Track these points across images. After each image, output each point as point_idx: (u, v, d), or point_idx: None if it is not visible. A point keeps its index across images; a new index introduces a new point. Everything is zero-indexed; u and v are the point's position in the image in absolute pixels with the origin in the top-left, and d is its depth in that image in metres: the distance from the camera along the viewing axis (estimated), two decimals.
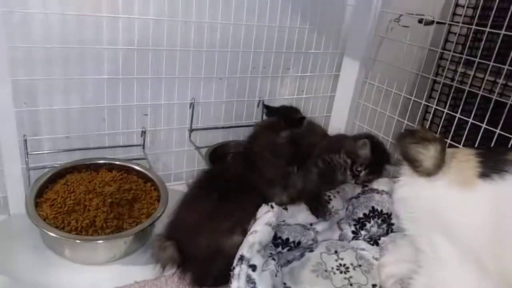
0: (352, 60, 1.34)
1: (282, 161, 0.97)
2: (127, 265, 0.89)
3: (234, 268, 0.75)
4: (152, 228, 0.97)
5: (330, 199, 1.02)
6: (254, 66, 1.23)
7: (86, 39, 0.98)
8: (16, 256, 0.87)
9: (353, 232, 1.02)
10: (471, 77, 1.15)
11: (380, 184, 1.05)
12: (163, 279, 0.85)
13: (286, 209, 0.91)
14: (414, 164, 0.71)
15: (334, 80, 1.40)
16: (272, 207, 0.86)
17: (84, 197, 0.92)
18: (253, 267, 0.75)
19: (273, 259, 0.83)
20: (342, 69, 1.38)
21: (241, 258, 0.75)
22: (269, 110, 1.21)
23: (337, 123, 1.42)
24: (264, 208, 0.87)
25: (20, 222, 0.92)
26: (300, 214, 0.94)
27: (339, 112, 1.42)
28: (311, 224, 0.97)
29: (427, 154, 0.70)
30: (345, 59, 1.36)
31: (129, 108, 1.10)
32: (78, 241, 0.85)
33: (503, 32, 1.01)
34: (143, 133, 1.13)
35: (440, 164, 0.70)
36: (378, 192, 1.04)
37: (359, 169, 0.99)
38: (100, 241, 0.87)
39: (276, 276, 0.79)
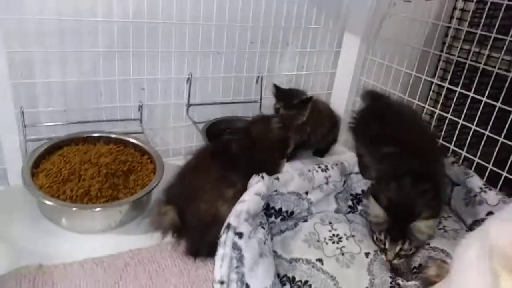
0: (353, 36, 1.33)
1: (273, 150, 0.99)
2: (122, 234, 0.90)
3: (220, 236, 0.75)
4: (148, 199, 0.98)
5: (327, 169, 1.01)
6: (252, 40, 1.22)
7: (81, 11, 0.98)
8: (15, 225, 0.89)
9: (349, 206, 1.02)
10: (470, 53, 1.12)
11: None
12: (157, 247, 0.86)
13: (277, 178, 0.90)
14: None
15: (335, 57, 1.39)
16: (262, 177, 0.86)
17: (80, 167, 0.93)
18: (240, 235, 0.75)
19: (263, 227, 0.83)
20: (343, 45, 1.36)
21: (228, 226, 0.76)
22: (278, 90, 1.18)
23: (338, 100, 1.40)
24: (255, 178, 0.87)
25: (19, 192, 0.93)
26: (293, 182, 0.93)
27: (340, 89, 1.41)
28: (306, 193, 0.96)
29: None
30: (346, 35, 1.35)
31: (126, 82, 1.10)
32: (74, 208, 0.86)
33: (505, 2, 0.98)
34: (140, 107, 1.13)
35: None
36: None
37: None
38: (96, 209, 0.87)
39: (264, 244, 0.79)
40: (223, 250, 0.72)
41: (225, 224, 0.76)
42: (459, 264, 0.68)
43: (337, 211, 1.00)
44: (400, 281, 0.82)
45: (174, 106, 1.19)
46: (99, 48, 1.03)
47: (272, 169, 0.97)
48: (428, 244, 0.87)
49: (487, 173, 1.04)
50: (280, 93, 1.15)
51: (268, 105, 1.31)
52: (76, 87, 1.06)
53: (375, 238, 0.84)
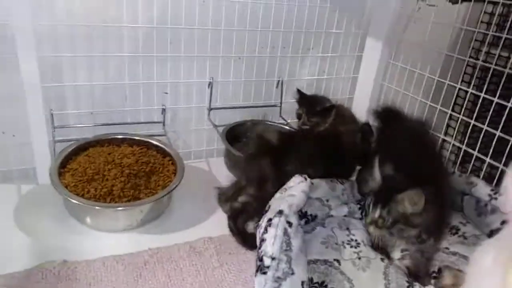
0: (375, 41, 1.32)
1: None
2: (142, 233, 0.93)
3: (271, 219, 0.76)
4: (169, 199, 1.01)
5: (343, 182, 1.01)
6: (273, 45, 1.23)
7: (108, 17, 1.02)
8: (43, 222, 0.93)
9: (359, 208, 1.01)
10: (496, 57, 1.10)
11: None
12: (175, 247, 0.88)
13: (312, 183, 0.92)
14: None
15: (356, 61, 1.38)
16: (305, 178, 0.89)
17: (104, 168, 0.96)
18: (290, 224, 0.77)
19: (301, 227, 0.85)
20: (365, 49, 1.36)
21: (280, 212, 0.77)
22: (301, 96, 1.19)
23: (360, 105, 1.39)
24: (297, 178, 0.89)
25: (47, 191, 0.97)
26: (320, 188, 0.95)
27: (362, 93, 1.40)
28: (327, 200, 0.97)
29: None
30: (368, 39, 1.34)
31: (150, 85, 1.13)
32: (97, 207, 0.89)
33: None
34: (163, 110, 1.16)
35: None
36: None
37: None
38: (118, 208, 0.91)
39: (303, 242, 0.81)
40: (276, 231, 0.74)
41: (277, 209, 0.78)
42: (475, 271, 0.66)
43: (348, 215, 1.00)
44: (418, 286, 0.81)
45: (196, 110, 1.22)
46: (124, 53, 1.07)
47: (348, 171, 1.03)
48: (448, 248, 0.86)
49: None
50: (303, 99, 1.15)
51: (288, 109, 1.33)
52: (103, 90, 1.10)
53: (367, 202, 0.85)
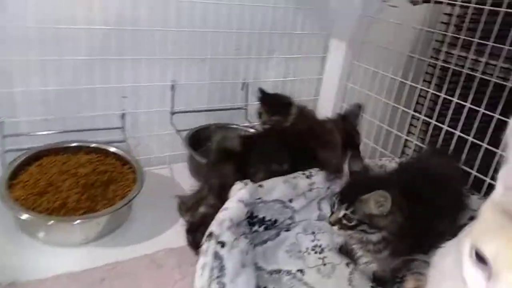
0: (339, 42, 1.32)
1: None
2: (100, 247, 0.88)
3: (202, 244, 0.74)
4: (128, 210, 0.97)
5: (312, 175, 0.99)
6: (237, 47, 1.20)
7: (61, 18, 0.97)
8: None
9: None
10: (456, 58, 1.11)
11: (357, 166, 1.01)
12: (134, 260, 0.84)
13: (261, 186, 0.89)
14: None
15: (321, 62, 1.38)
16: (246, 184, 0.85)
17: (58, 178, 0.91)
18: (222, 244, 0.74)
19: (246, 237, 0.81)
20: (329, 51, 1.35)
21: (210, 234, 0.74)
22: (263, 94, 1.18)
23: (325, 106, 1.39)
24: (238, 185, 0.85)
25: None
26: (277, 189, 0.91)
27: (327, 95, 1.40)
28: (290, 201, 0.94)
29: None
30: (332, 40, 1.34)
31: (108, 90, 1.08)
32: (50, 222, 0.84)
33: (487, 7, 0.97)
34: (123, 115, 1.11)
35: None
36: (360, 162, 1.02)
37: None
38: (73, 222, 0.86)
39: (247, 254, 0.78)
40: (204, 259, 0.71)
41: (207, 232, 0.75)
42: (436, 273, 0.67)
43: (320, 218, 0.99)
44: None
45: (158, 114, 1.17)
46: (80, 56, 1.02)
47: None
48: None
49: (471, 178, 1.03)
50: (265, 97, 1.14)
51: (254, 112, 1.30)
52: (57, 96, 1.04)
53: (331, 201, 0.80)
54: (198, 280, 0.68)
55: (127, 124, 1.14)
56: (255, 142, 0.98)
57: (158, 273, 0.82)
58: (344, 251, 0.88)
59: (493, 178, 0.98)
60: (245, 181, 0.84)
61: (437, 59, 1.21)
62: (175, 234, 0.94)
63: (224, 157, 0.92)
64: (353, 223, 0.72)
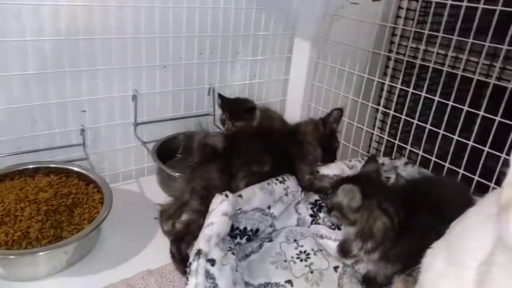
0: (303, 41, 1.30)
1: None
2: (70, 277, 0.81)
3: (190, 264, 0.69)
4: (98, 233, 0.90)
5: (285, 180, 0.96)
6: (200, 51, 1.16)
7: (6, 29, 0.88)
8: None
9: (311, 215, 0.98)
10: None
11: (330, 169, 1.00)
12: (111, 287, 0.78)
13: (240, 196, 0.85)
14: None
15: (287, 63, 1.35)
16: (226, 196, 0.80)
17: (15, 207, 0.83)
18: (212, 262, 0.70)
19: (233, 253, 0.77)
20: (293, 50, 1.33)
21: (199, 252, 0.70)
22: (223, 101, 1.15)
23: (293, 107, 1.38)
24: (218, 198, 0.80)
25: None
26: (255, 198, 0.88)
27: (294, 95, 1.38)
28: (268, 208, 0.91)
29: None
30: (296, 40, 1.32)
31: (64, 105, 1.00)
32: (11, 256, 0.76)
33: (449, 2, 0.99)
34: (82, 131, 1.04)
35: None
36: (330, 178, 1.01)
37: None
38: (38, 254, 0.78)
39: (236, 271, 0.74)
40: (196, 280, 0.67)
41: (195, 250, 0.70)
42: (428, 276, 0.66)
43: (299, 223, 0.96)
44: None
45: (120, 127, 1.10)
46: (29, 70, 0.93)
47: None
48: None
49: (444, 170, 1.04)
50: (226, 103, 1.11)
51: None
52: (7, 115, 0.95)
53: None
54: None
55: (88, 140, 1.06)
56: (237, 140, 0.94)
57: None
58: (342, 248, 0.87)
59: (465, 169, 1.00)
60: (225, 192, 0.80)
61: (398, 53, 1.22)
62: (152, 254, 0.88)
63: (208, 156, 0.87)
64: (326, 208, 0.82)
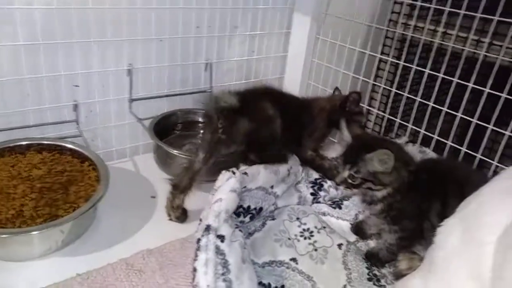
0: (302, 16, 1.26)
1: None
2: (66, 257, 0.78)
3: (199, 239, 0.67)
4: (94, 211, 0.87)
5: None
6: (197, 25, 1.11)
7: None
8: None
9: (311, 194, 0.97)
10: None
11: (329, 151, 1.02)
12: (109, 267, 0.75)
13: (246, 173, 0.83)
14: None
15: (285, 39, 1.31)
16: (233, 172, 0.79)
17: (8, 184, 0.79)
18: (222, 238, 0.68)
19: (240, 230, 0.76)
20: (292, 26, 1.29)
21: (208, 228, 0.68)
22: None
23: (291, 85, 1.34)
24: (225, 175, 0.79)
25: None
26: (260, 176, 0.86)
27: (293, 72, 1.35)
28: (271, 187, 0.90)
29: None
30: (296, 14, 1.28)
31: (56, 79, 0.95)
32: (4, 235, 0.73)
33: None
34: (75, 107, 0.99)
35: None
36: (329, 160, 1.00)
37: None
38: (33, 233, 0.74)
39: (244, 248, 0.72)
40: (206, 255, 0.65)
41: (204, 225, 0.69)
42: (441, 253, 0.65)
43: (301, 202, 0.95)
44: (376, 271, 0.79)
45: (115, 103, 1.06)
46: (19, 41, 0.88)
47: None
48: None
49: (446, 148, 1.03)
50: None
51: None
52: None
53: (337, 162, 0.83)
54: (203, 279, 0.62)
55: (81, 116, 1.02)
56: (252, 98, 0.92)
57: (138, 279, 0.74)
58: (356, 229, 0.89)
59: (454, 141, 0.99)
60: (232, 169, 0.79)
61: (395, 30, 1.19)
62: (151, 233, 0.86)
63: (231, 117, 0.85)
64: (357, 182, 0.74)
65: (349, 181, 0.75)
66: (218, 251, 0.65)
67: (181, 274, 0.76)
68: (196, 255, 0.65)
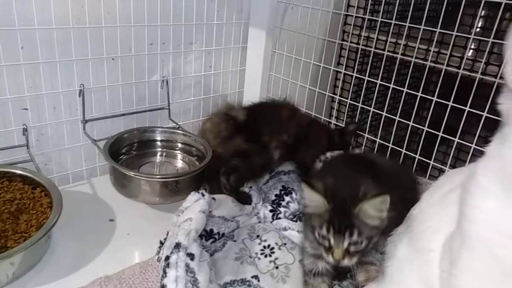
0: (258, 30, 1.27)
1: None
2: None
3: (169, 257, 0.67)
4: (47, 240, 0.83)
5: (250, 194, 0.98)
6: (151, 42, 1.10)
7: None
8: None
9: (271, 211, 0.97)
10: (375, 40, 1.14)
11: (285, 165, 1.04)
12: None
13: (214, 199, 0.83)
14: None
15: (242, 53, 1.32)
16: (203, 194, 0.80)
17: None
18: (192, 256, 0.68)
19: (206, 251, 0.76)
20: (249, 40, 1.30)
21: (178, 245, 0.68)
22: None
23: (251, 99, 1.34)
24: (194, 196, 0.80)
25: None
26: (225, 207, 0.87)
27: (251, 86, 1.35)
28: (233, 218, 0.90)
29: None
30: (251, 29, 1.29)
31: (2, 102, 0.91)
32: None
33: None
34: (25, 130, 0.95)
35: None
36: (284, 174, 1.02)
37: None
38: None
39: (211, 269, 0.72)
40: (176, 272, 0.64)
41: (173, 243, 0.68)
42: (393, 264, 0.66)
43: (261, 221, 0.95)
44: (337, 284, 0.79)
45: (68, 124, 1.03)
46: None
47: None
48: None
49: (402, 156, 1.06)
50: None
51: (178, 111, 1.22)
52: None
53: (317, 235, 0.67)
54: None
55: (32, 140, 0.98)
56: (260, 112, 1.06)
57: None
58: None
59: (420, 154, 1.03)
60: (201, 191, 0.80)
61: (351, 42, 1.23)
62: (109, 259, 0.83)
63: (233, 129, 0.97)
64: (364, 244, 0.64)
65: (353, 250, 0.63)
66: (188, 269, 0.65)
67: None
68: (165, 272, 0.65)
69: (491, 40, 0.89)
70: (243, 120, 1.02)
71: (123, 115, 1.11)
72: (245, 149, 0.96)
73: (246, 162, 0.96)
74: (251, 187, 0.99)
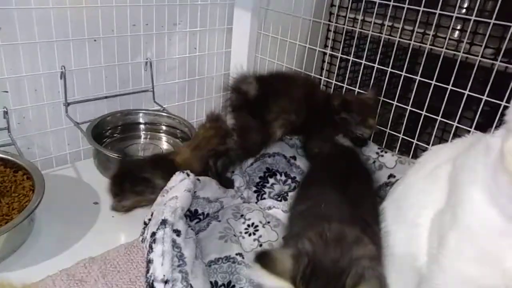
0: (243, 11, 1.26)
1: None
2: (1, 273, 0.74)
3: (155, 233, 0.67)
4: (30, 223, 0.83)
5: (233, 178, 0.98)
6: (133, 23, 1.08)
7: None
8: None
9: (255, 191, 0.98)
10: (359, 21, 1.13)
11: (271, 148, 1.03)
12: (49, 279, 0.72)
13: (198, 180, 0.83)
14: None
15: (228, 34, 1.31)
16: (188, 174, 0.80)
17: None
18: (178, 232, 0.69)
19: (192, 229, 0.76)
20: (234, 21, 1.29)
21: (164, 222, 0.68)
22: None
23: None
24: (179, 176, 0.80)
25: None
26: (209, 188, 0.87)
27: (237, 68, 1.34)
28: (217, 199, 0.90)
29: None
30: (236, 9, 1.27)
31: None
32: None
33: None
34: (5, 113, 0.94)
35: None
36: (269, 156, 1.01)
37: None
38: None
39: (197, 247, 0.73)
40: (162, 247, 0.65)
41: (159, 220, 0.68)
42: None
43: (245, 201, 0.96)
44: None
45: (50, 107, 1.01)
46: None
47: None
48: None
49: (385, 136, 1.07)
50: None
51: (162, 93, 1.21)
52: None
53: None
54: (159, 269, 0.62)
55: (13, 123, 0.97)
56: (273, 86, 0.96)
57: None
58: None
59: (404, 134, 1.03)
60: (186, 171, 0.80)
61: (337, 22, 1.22)
62: (93, 240, 0.83)
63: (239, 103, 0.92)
64: None
65: None
66: (175, 244, 0.66)
67: (125, 280, 0.74)
68: (151, 248, 0.65)
69: (473, 18, 0.89)
70: (253, 96, 0.92)
71: (106, 97, 1.09)
72: (244, 125, 0.92)
73: (243, 138, 0.92)
74: (233, 172, 0.98)
